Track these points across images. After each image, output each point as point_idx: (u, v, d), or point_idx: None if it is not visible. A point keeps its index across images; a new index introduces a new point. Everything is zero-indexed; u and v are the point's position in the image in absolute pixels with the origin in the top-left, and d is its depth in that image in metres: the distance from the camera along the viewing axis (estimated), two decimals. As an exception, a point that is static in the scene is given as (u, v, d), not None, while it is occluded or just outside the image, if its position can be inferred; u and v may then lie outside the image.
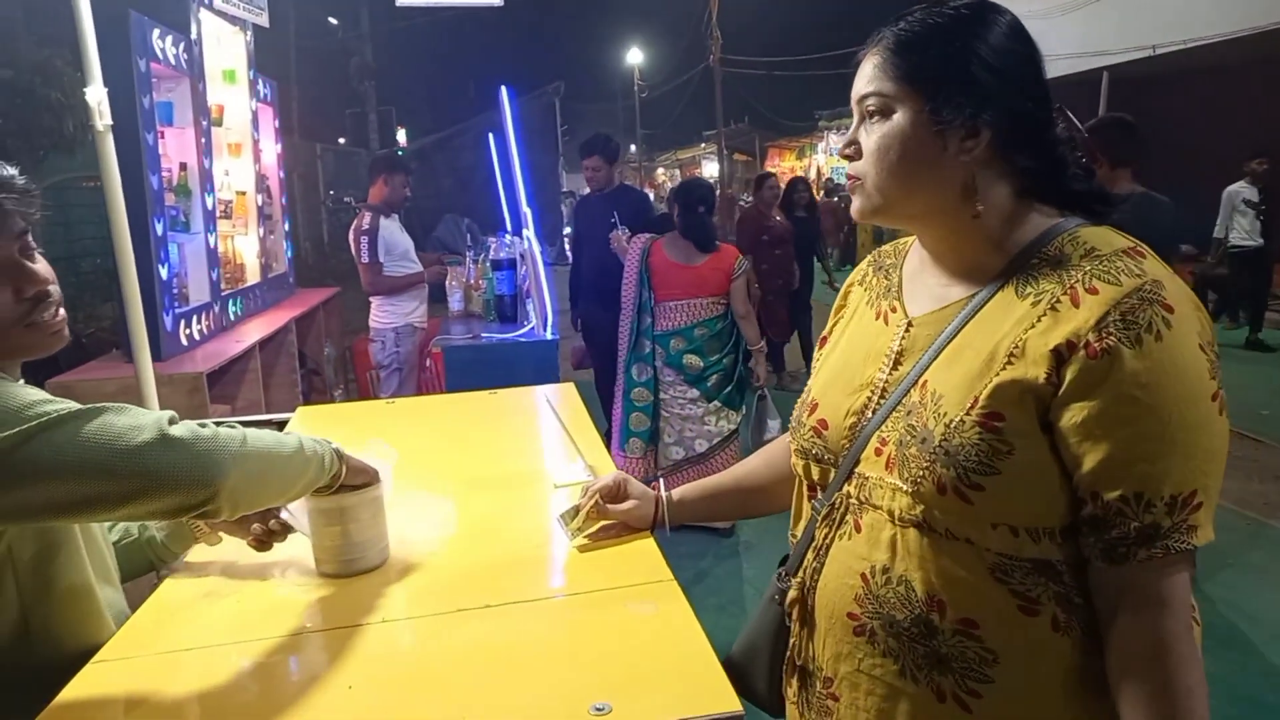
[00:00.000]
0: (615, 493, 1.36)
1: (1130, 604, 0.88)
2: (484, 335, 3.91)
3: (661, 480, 1.40)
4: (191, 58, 4.00)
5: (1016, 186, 0.97)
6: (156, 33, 3.61)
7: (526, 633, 1.13)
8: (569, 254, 5.51)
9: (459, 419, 2.28)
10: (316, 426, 1.93)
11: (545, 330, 3.71)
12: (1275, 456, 4.95)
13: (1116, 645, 0.89)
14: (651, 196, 21.88)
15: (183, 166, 3.99)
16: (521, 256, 4.10)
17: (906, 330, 1.03)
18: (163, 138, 3.77)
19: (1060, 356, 0.88)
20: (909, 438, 0.95)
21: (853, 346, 1.10)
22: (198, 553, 1.43)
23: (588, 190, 5.07)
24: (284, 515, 1.32)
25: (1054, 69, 10.96)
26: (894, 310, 1.07)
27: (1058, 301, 0.90)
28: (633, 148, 36.82)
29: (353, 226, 4.79)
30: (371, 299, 4.89)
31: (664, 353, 4.04)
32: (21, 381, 1.09)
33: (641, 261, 4.05)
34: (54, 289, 1.15)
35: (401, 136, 20.25)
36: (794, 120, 26.57)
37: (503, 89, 4.33)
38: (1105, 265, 0.90)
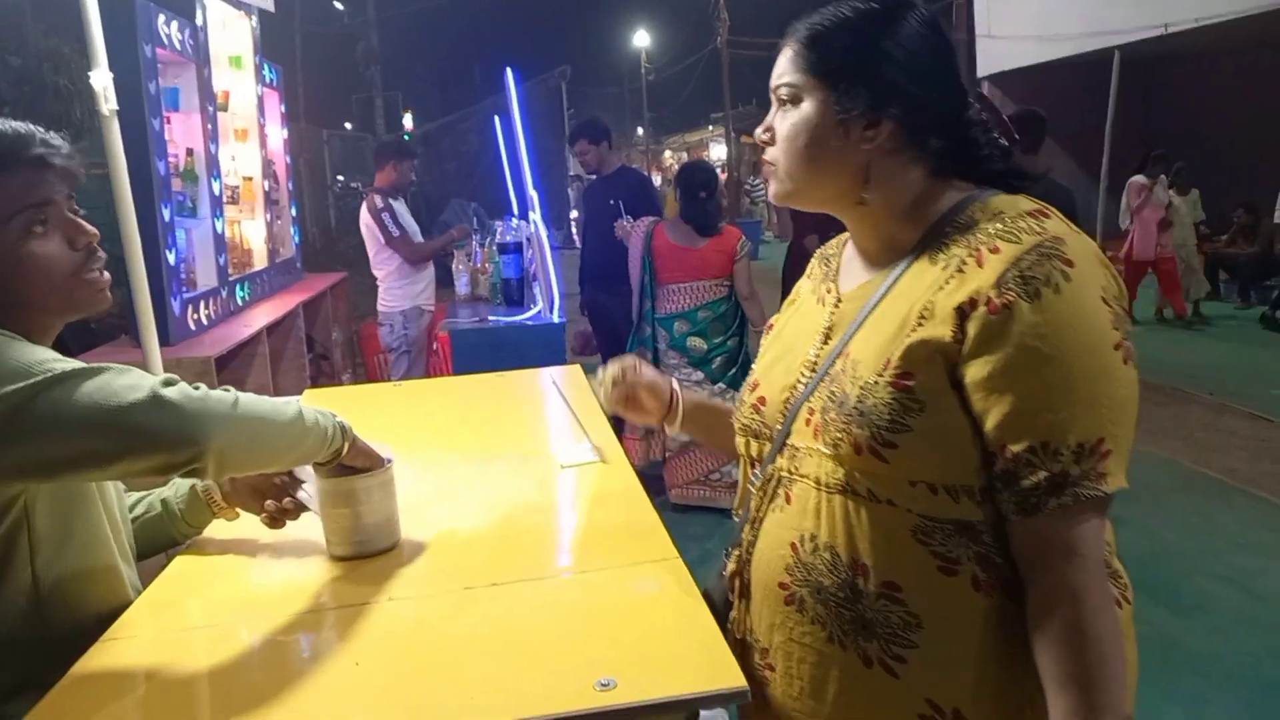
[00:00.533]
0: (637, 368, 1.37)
1: (1044, 556, 0.90)
2: (491, 319, 3.91)
3: (676, 383, 1.39)
4: (197, 43, 3.99)
5: (931, 167, 1.02)
6: (162, 18, 3.61)
7: (532, 611, 1.14)
8: (576, 238, 5.50)
9: (466, 401, 2.28)
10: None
11: (552, 313, 3.71)
12: (1286, 437, 4.93)
13: (1032, 598, 0.91)
14: (658, 180, 21.81)
15: (189, 152, 4.00)
16: (528, 240, 4.10)
17: (836, 306, 1.08)
18: (169, 123, 3.78)
19: (963, 314, 0.90)
20: (830, 403, 0.99)
21: (794, 330, 1.15)
22: (211, 529, 1.44)
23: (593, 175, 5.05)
24: (300, 495, 1.33)
25: (1065, 49, 10.85)
26: (829, 292, 1.12)
27: (964, 263, 0.93)
28: (640, 131, 36.67)
29: (365, 209, 4.78)
30: (380, 282, 4.89)
31: (667, 336, 4.03)
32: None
33: (645, 245, 4.04)
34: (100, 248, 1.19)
35: (408, 121, 20.22)
36: (802, 102, 26.25)
37: (508, 71, 4.31)
38: (1009, 226, 0.94)
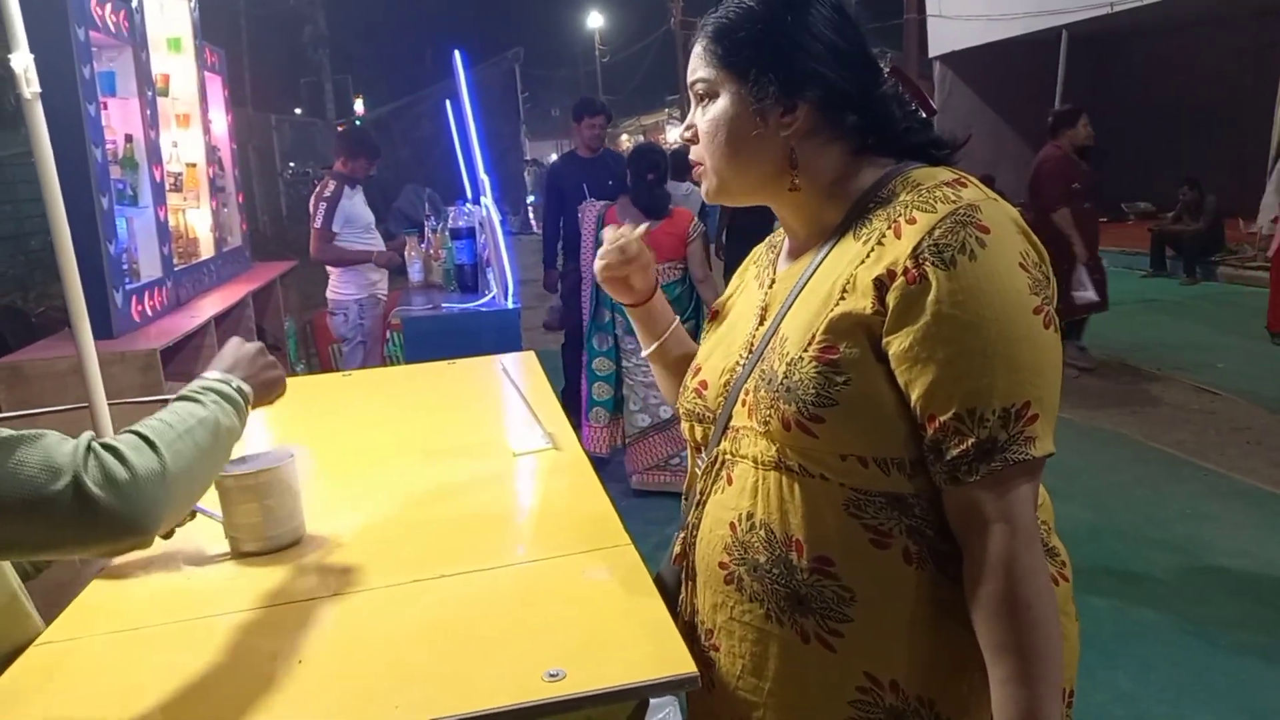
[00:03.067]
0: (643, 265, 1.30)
1: (976, 525, 0.90)
2: (444, 305, 3.86)
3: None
4: (133, 25, 3.87)
5: (851, 145, 1.02)
6: (94, 0, 3.49)
7: (481, 601, 1.12)
8: (534, 224, 5.52)
9: (417, 390, 2.25)
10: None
11: (506, 299, 3.67)
12: (1231, 408, 5.05)
13: (967, 568, 0.92)
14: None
15: (128, 138, 3.87)
16: (480, 225, 4.05)
17: (770, 287, 1.09)
18: (106, 109, 3.65)
19: (882, 285, 0.91)
20: (760, 381, 0.99)
21: (736, 314, 1.16)
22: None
23: (555, 156, 5.11)
24: None
25: (1013, 28, 11.00)
26: (769, 274, 1.13)
27: (883, 236, 0.94)
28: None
29: (314, 192, 4.71)
30: (330, 270, 4.80)
31: (624, 320, 4.01)
32: None
33: (597, 228, 4.02)
34: None
35: (359, 105, 19.88)
36: (757, 83, 26.30)
37: (456, 54, 4.24)
38: (925, 196, 0.94)
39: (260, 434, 1.85)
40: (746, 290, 1.18)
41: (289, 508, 1.30)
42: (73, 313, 1.98)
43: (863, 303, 0.92)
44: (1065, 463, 4.32)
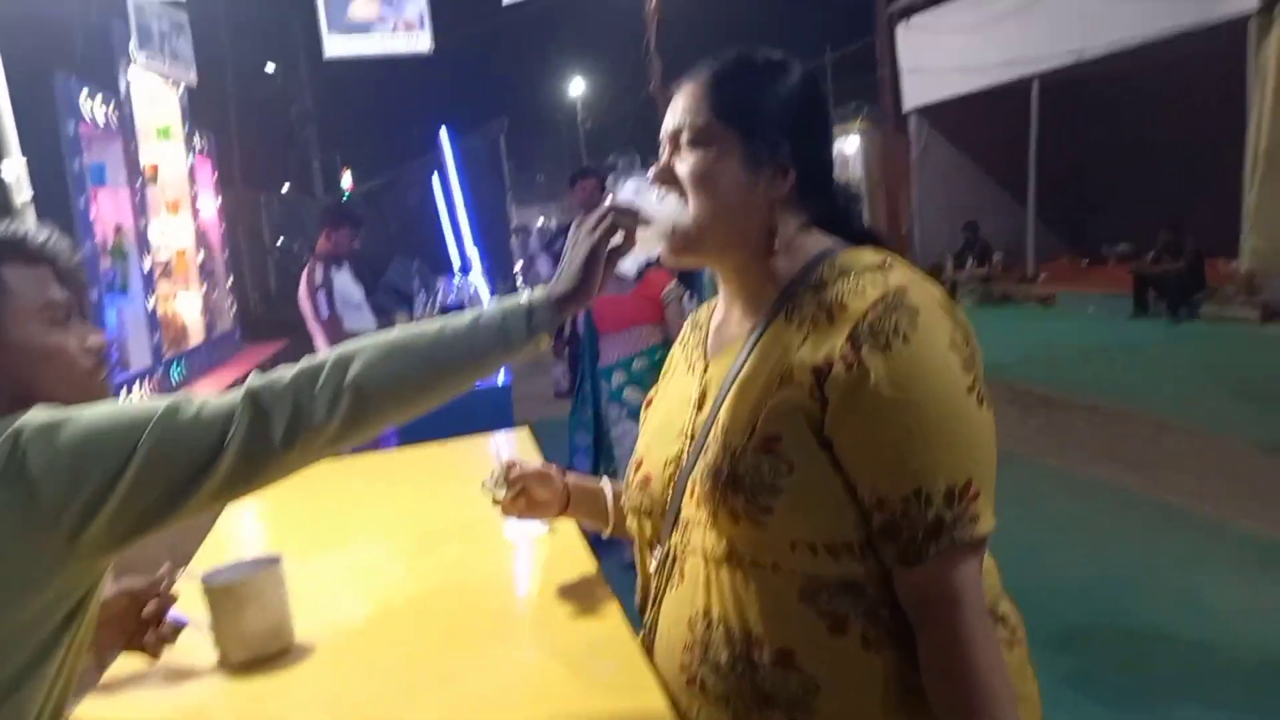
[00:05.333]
0: (539, 477, 1.33)
1: (928, 605, 0.91)
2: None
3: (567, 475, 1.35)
4: (123, 116, 3.93)
5: (804, 219, 1.03)
6: (84, 93, 3.55)
7: (481, 711, 1.10)
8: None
9: (410, 474, 2.24)
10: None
11: (497, 377, 3.67)
12: (1223, 452, 5.04)
13: (921, 647, 0.92)
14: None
15: (118, 229, 3.92)
16: (470, 300, 4.07)
17: (705, 372, 1.08)
18: (95, 200, 3.70)
19: (820, 372, 0.92)
20: (706, 472, 0.98)
21: (669, 401, 1.14)
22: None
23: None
24: (170, 616, 1.24)
25: (985, 80, 11.19)
26: (699, 358, 1.11)
27: (816, 321, 0.96)
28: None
29: (303, 282, 4.68)
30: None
31: (608, 388, 3.99)
32: None
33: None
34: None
35: (347, 180, 20.11)
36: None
37: (442, 129, 4.31)
38: (854, 282, 0.96)
39: (249, 528, 1.84)
40: (677, 375, 1.16)
41: (276, 615, 1.28)
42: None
43: (801, 390, 0.93)
44: (1059, 513, 4.29)
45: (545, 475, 1.31)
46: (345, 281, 4.77)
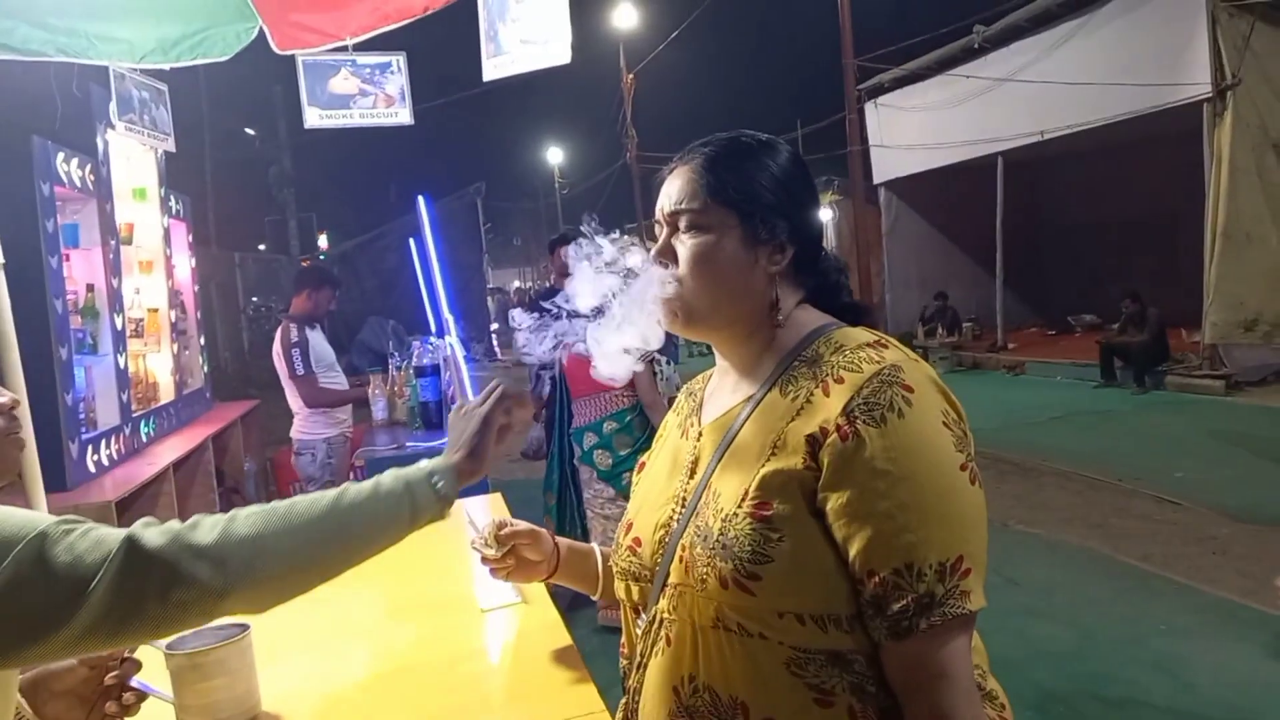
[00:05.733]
0: (529, 537, 1.32)
1: (917, 680, 0.90)
2: (409, 444, 3.83)
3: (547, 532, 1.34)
4: (99, 178, 3.94)
5: (800, 295, 1.07)
6: (61, 156, 3.55)
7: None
8: (497, 350, 5.48)
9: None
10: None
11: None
12: (1194, 518, 5.09)
13: None
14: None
15: (89, 288, 3.89)
16: (445, 361, 4.06)
17: (698, 439, 1.09)
18: (68, 260, 3.68)
19: (815, 443, 0.93)
20: (696, 539, 0.99)
21: (661, 465, 1.15)
22: None
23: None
24: (134, 683, 1.20)
25: (951, 156, 11.54)
26: (693, 425, 1.12)
27: (812, 395, 0.97)
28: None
29: (278, 339, 4.67)
30: (298, 411, 4.76)
31: (579, 449, 3.97)
32: None
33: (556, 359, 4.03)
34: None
35: (323, 241, 20.16)
36: (712, 210, 27.13)
37: (420, 199, 4.34)
38: (850, 357, 0.97)
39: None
40: (671, 441, 1.17)
41: (243, 685, 1.26)
42: (25, 467, 1.94)
43: (794, 459, 0.94)
44: (1041, 579, 4.30)
45: (536, 535, 1.30)
46: (319, 341, 4.75)
